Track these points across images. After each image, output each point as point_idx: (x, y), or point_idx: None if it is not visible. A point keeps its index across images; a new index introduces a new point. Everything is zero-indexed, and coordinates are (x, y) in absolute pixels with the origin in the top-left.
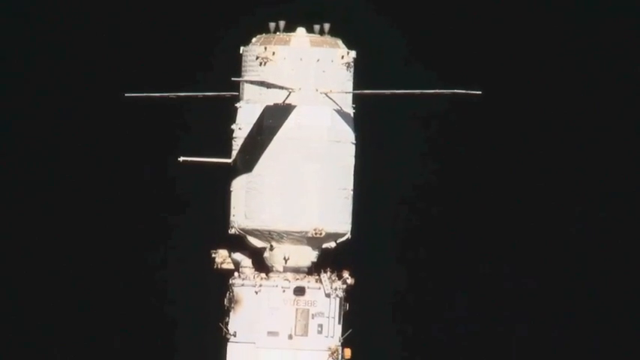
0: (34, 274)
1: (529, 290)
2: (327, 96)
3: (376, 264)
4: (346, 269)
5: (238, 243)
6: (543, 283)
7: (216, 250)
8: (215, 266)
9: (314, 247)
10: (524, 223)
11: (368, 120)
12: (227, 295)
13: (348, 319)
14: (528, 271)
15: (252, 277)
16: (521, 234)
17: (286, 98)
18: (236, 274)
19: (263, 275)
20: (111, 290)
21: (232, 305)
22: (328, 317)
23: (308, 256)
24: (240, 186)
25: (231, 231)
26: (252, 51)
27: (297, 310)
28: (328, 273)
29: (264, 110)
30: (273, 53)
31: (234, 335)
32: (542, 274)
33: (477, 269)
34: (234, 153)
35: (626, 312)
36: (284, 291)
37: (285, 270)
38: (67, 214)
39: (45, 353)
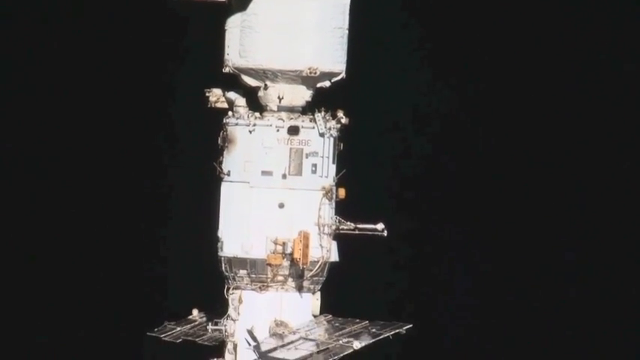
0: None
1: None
2: None
3: (371, 103)
4: (340, 109)
5: (232, 82)
6: None
7: (210, 88)
8: (209, 105)
9: (308, 86)
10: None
11: None
12: (221, 134)
13: (342, 159)
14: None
15: (246, 116)
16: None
17: None
18: (230, 113)
19: (257, 114)
20: (107, 131)
21: (226, 144)
22: (322, 157)
23: (302, 95)
24: (234, 24)
25: (226, 70)
26: None
27: (291, 149)
28: (322, 112)
29: None
30: None
31: (228, 175)
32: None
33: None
34: None
35: None
36: (278, 130)
37: (280, 109)
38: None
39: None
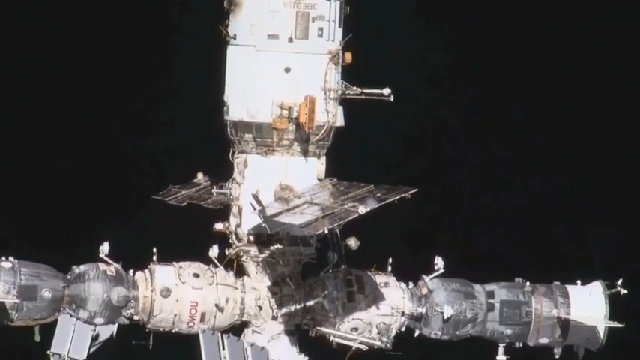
0: None
1: None
2: None
3: None
4: None
5: None
6: None
7: None
8: None
9: None
10: None
11: None
12: None
13: (348, 22)
14: None
15: None
16: None
17: None
18: None
19: None
20: None
21: (232, 7)
22: (329, 20)
23: None
24: None
25: None
26: None
27: (297, 12)
28: None
29: None
30: None
31: (234, 38)
32: None
33: None
34: None
35: None
36: None
37: None
38: None
39: None
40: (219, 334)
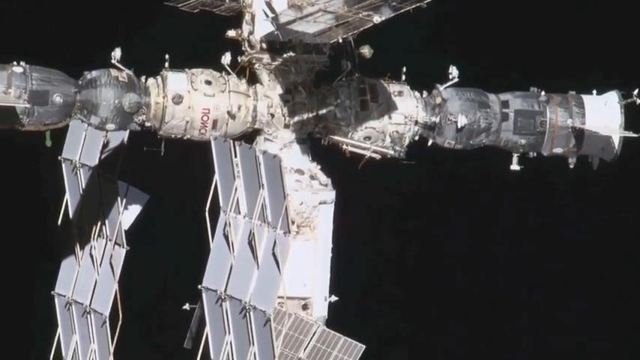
0: None
1: None
2: None
3: None
4: None
5: None
6: None
7: None
8: None
9: None
10: None
11: None
12: None
13: None
14: None
15: None
16: None
17: None
18: None
19: None
20: None
21: None
22: None
23: None
24: None
25: None
26: None
27: None
28: None
29: None
30: None
31: None
32: None
33: None
34: None
35: None
36: None
37: None
38: None
39: None
40: (231, 141)
